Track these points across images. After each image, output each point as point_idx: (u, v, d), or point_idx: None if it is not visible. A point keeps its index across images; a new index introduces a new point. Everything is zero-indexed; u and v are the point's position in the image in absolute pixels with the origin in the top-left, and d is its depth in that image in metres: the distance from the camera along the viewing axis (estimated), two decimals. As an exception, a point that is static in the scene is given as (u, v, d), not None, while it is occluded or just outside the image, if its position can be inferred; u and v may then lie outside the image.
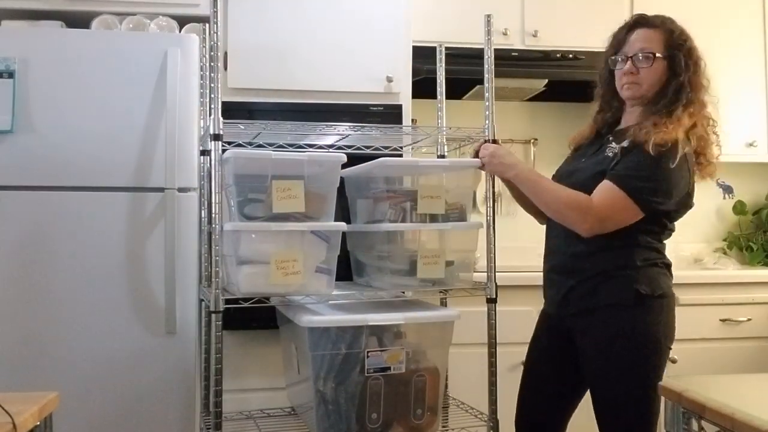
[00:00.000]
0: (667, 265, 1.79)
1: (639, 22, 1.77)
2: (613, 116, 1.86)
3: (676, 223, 1.79)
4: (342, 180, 2.13)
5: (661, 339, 1.72)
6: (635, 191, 1.65)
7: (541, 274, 2.01)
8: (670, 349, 1.76)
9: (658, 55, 1.72)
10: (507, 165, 1.84)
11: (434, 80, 2.39)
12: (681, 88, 1.71)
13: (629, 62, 1.74)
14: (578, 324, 1.78)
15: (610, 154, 1.74)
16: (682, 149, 1.66)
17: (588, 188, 1.72)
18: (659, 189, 1.66)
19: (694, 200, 1.78)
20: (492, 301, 1.95)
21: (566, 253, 1.80)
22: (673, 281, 2.02)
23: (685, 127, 1.68)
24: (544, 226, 1.94)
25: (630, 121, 1.79)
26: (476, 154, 1.92)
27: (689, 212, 1.87)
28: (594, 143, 1.86)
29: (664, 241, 1.80)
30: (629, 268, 1.71)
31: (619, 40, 1.80)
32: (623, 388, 1.71)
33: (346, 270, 2.19)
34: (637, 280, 1.70)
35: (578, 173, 1.81)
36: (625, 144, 1.72)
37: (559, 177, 1.89)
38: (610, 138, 1.80)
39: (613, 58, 1.80)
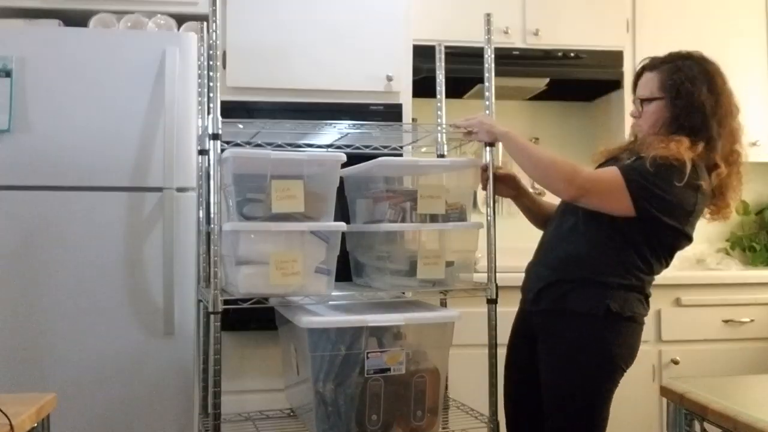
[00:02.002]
0: (646, 296, 1.77)
1: (645, 66, 1.83)
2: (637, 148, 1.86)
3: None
4: (341, 180, 2.12)
5: (620, 361, 1.72)
6: (635, 186, 1.65)
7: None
8: (624, 371, 1.74)
9: (650, 98, 1.77)
10: (496, 129, 1.83)
11: (435, 79, 2.38)
12: (679, 124, 1.71)
13: (633, 106, 1.84)
14: (544, 324, 1.79)
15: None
16: (695, 177, 1.65)
17: None
18: (657, 196, 1.64)
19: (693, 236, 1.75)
20: (492, 301, 1.93)
21: (555, 251, 1.81)
22: (670, 281, 2.00)
23: (689, 148, 1.66)
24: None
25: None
26: (468, 133, 1.91)
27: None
28: (612, 160, 1.85)
29: (654, 276, 1.78)
30: (608, 285, 1.70)
31: (635, 83, 1.87)
32: (572, 397, 1.72)
33: (345, 270, 2.18)
34: (612, 297, 1.69)
35: None
36: (633, 158, 1.74)
37: None
38: (624, 156, 1.82)
39: (633, 101, 1.87)
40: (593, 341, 1.70)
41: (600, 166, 1.87)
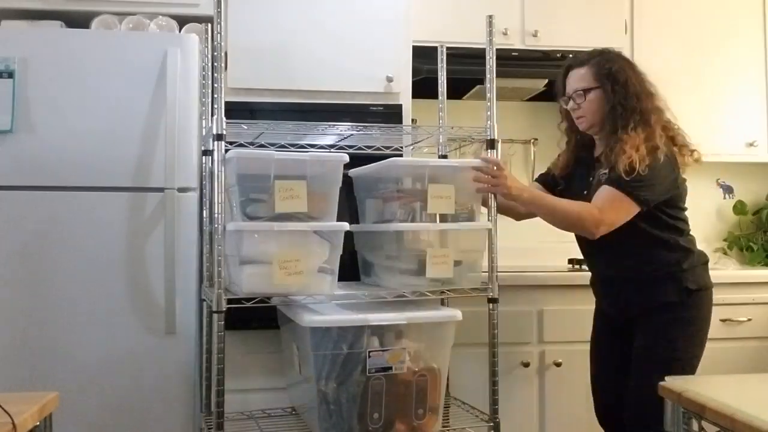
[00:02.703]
0: (704, 262, 2.01)
1: (570, 65, 2.03)
2: (582, 141, 2.09)
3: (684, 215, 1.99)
4: (351, 180, 2.14)
5: (702, 332, 1.97)
6: (627, 188, 1.85)
7: (540, 274, 2.01)
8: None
9: (588, 87, 1.96)
10: (514, 191, 1.92)
11: (434, 80, 2.39)
12: (621, 110, 1.91)
13: (570, 101, 2.02)
14: (638, 319, 1.97)
15: (603, 179, 1.94)
16: (657, 158, 1.86)
17: None
18: (645, 184, 1.85)
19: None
20: (493, 300, 1.95)
21: (614, 269, 2.01)
22: None
23: (643, 141, 1.87)
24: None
25: (600, 147, 2.03)
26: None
27: (690, 212, 1.94)
28: (584, 171, 2.06)
29: (689, 232, 2.00)
30: (676, 271, 1.93)
31: (563, 84, 2.06)
32: (665, 363, 1.86)
33: (353, 269, 2.19)
34: (684, 278, 1.92)
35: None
36: (606, 171, 1.94)
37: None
38: (596, 165, 2.01)
39: (563, 100, 2.06)
40: (684, 320, 1.93)
41: (564, 176, 2.10)
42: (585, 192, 1.99)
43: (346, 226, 1.81)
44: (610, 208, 1.86)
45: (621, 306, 2.01)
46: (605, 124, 1.96)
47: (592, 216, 1.86)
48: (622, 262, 1.96)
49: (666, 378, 1.44)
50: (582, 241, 2.06)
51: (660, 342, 1.90)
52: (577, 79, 1.99)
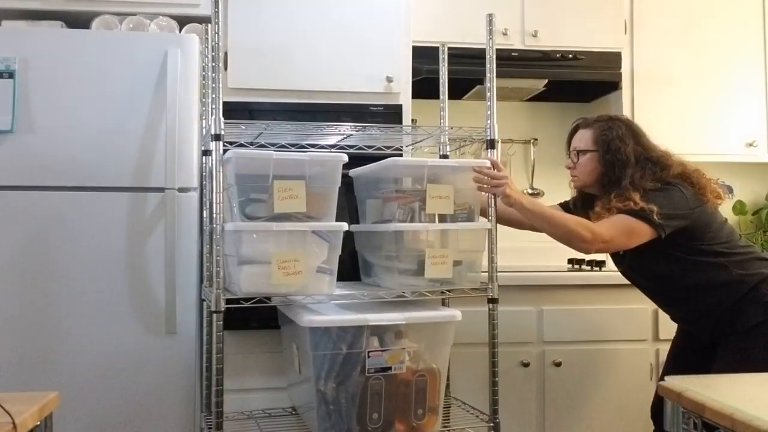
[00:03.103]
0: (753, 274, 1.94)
1: (579, 124, 2.11)
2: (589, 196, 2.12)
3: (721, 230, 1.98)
4: (351, 179, 2.14)
5: None
6: (642, 214, 1.87)
7: (540, 274, 1.99)
8: None
9: (584, 149, 2.03)
10: (513, 197, 1.92)
11: (434, 80, 2.39)
12: (607, 178, 1.97)
13: (567, 158, 2.10)
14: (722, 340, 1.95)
15: None
16: (669, 184, 1.92)
17: None
18: (661, 210, 1.87)
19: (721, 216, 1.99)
20: (493, 301, 1.95)
21: (683, 312, 2.03)
22: None
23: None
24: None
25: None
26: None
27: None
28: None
29: (736, 251, 1.95)
30: (747, 296, 1.89)
31: (569, 139, 2.12)
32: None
33: (353, 269, 2.19)
34: (758, 300, 1.88)
35: None
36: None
37: None
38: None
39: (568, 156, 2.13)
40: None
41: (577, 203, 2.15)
42: None
43: (344, 226, 1.81)
44: (612, 226, 1.87)
45: (706, 335, 2.00)
46: (600, 185, 2.02)
47: (590, 230, 1.86)
48: (688, 304, 1.98)
49: (666, 378, 1.44)
50: (654, 296, 2.10)
51: (744, 365, 1.85)
52: (578, 139, 2.07)
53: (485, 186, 1.93)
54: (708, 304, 1.93)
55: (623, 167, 1.95)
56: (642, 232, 1.87)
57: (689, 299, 1.96)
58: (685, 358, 2.08)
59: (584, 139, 2.04)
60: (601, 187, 2.01)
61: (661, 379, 2.07)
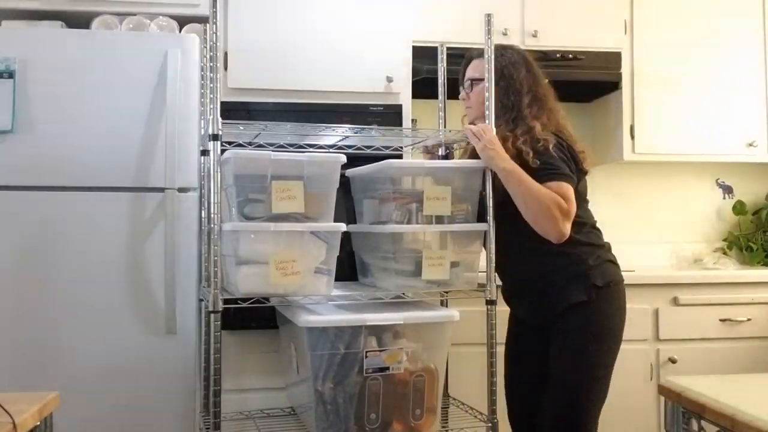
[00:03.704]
0: (609, 260, 1.89)
1: (473, 54, 2.03)
2: None
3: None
4: (348, 180, 2.14)
5: (617, 327, 1.86)
6: (567, 177, 1.80)
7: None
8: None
9: (478, 78, 1.97)
10: (501, 157, 1.84)
11: (434, 80, 2.39)
12: (501, 105, 1.91)
13: (462, 90, 2.04)
14: (550, 324, 1.87)
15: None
16: (552, 142, 1.83)
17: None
18: (570, 166, 1.83)
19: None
20: (491, 302, 1.94)
21: (518, 274, 1.94)
22: (667, 280, 1.98)
23: (521, 136, 1.85)
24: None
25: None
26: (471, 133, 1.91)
27: (689, 212, 1.90)
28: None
29: (593, 226, 1.90)
30: (580, 269, 1.83)
31: (463, 71, 2.06)
32: (579, 369, 1.80)
33: (351, 270, 2.19)
34: (589, 275, 1.82)
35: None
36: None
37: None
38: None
39: (461, 89, 2.07)
40: (594, 320, 1.83)
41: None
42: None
43: (342, 226, 1.81)
44: (567, 199, 1.77)
45: (533, 311, 1.92)
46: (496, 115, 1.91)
47: (563, 210, 1.75)
48: (527, 265, 1.88)
49: (666, 379, 1.44)
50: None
51: (571, 350, 1.81)
52: (472, 68, 2.01)
53: (478, 141, 1.86)
54: (547, 268, 1.84)
55: (518, 94, 1.90)
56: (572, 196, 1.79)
57: (535, 258, 1.85)
58: (522, 343, 1.99)
59: (478, 68, 1.98)
60: (496, 118, 1.91)
61: (506, 376, 2.01)
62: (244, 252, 1.74)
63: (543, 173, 1.79)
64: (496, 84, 1.91)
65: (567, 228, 1.77)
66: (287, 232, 1.75)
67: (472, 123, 2.00)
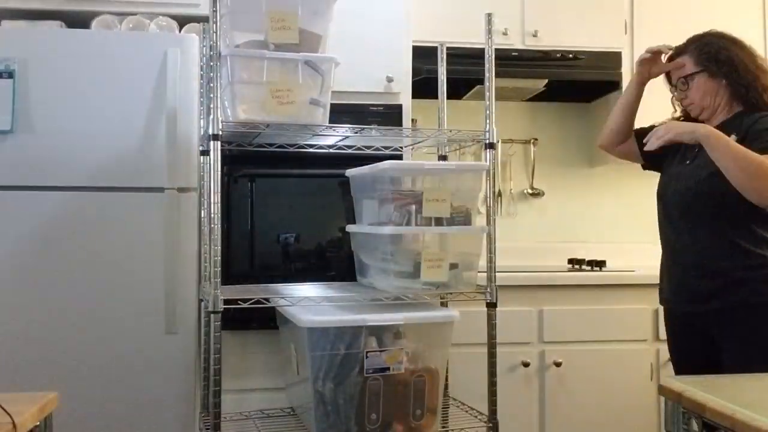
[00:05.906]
0: None
1: (672, 56, 1.96)
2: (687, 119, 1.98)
3: None
4: (347, 180, 2.14)
5: None
6: None
7: (540, 274, 1.96)
8: None
9: (695, 71, 1.89)
10: (698, 132, 1.74)
11: (434, 80, 2.38)
12: (733, 85, 1.84)
13: (675, 91, 1.97)
14: (718, 320, 1.80)
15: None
16: None
17: (704, 188, 1.79)
18: None
19: None
20: (492, 305, 1.94)
21: (696, 250, 1.83)
22: None
23: None
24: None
25: (715, 122, 1.88)
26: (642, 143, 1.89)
27: None
28: (690, 146, 1.88)
29: None
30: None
31: (668, 78, 1.99)
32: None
33: (350, 270, 2.19)
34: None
35: (688, 176, 1.85)
36: (734, 137, 1.76)
37: (669, 179, 1.93)
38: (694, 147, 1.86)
39: (672, 92, 2.00)
40: None
41: (669, 157, 1.94)
42: (687, 162, 1.89)
43: (336, 57, 1.84)
44: None
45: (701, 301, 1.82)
46: (723, 106, 1.86)
47: None
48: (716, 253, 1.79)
49: (666, 379, 1.44)
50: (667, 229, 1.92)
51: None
52: (678, 67, 1.94)
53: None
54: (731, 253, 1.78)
55: (746, 72, 1.83)
56: None
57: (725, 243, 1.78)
58: (690, 353, 1.93)
59: (686, 64, 1.91)
60: (728, 105, 1.85)
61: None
62: (240, 80, 1.76)
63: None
64: (718, 72, 1.84)
65: None
66: (282, 60, 1.76)
67: (697, 118, 1.92)
